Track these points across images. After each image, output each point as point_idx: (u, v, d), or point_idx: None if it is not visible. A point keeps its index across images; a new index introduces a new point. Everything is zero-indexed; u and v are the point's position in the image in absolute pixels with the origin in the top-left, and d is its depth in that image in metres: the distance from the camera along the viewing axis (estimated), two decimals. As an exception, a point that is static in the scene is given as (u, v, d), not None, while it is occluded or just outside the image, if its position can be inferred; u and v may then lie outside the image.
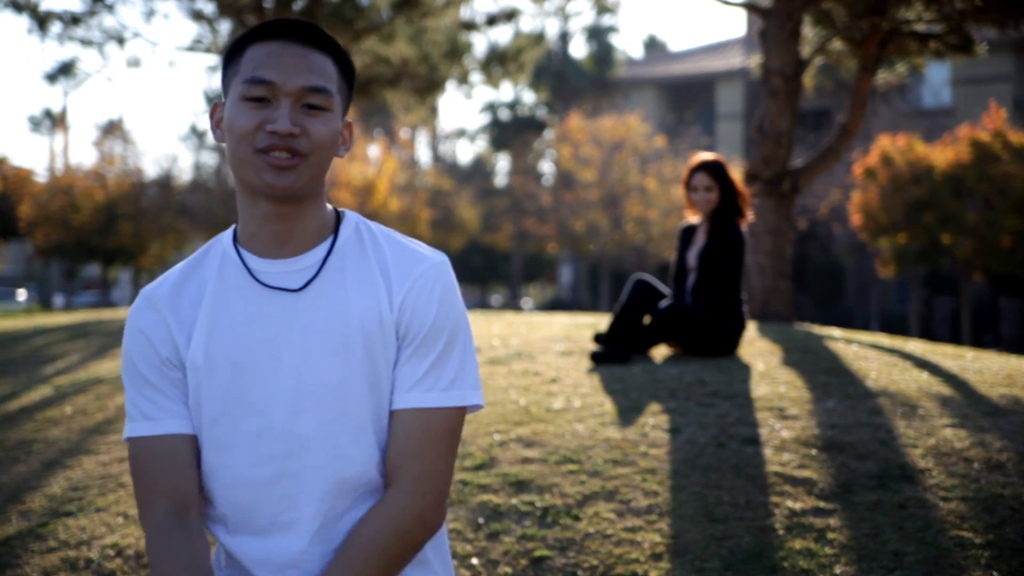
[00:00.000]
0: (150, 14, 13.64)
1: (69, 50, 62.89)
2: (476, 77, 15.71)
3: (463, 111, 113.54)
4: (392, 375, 1.68)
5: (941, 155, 19.70)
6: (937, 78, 29.01)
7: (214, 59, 37.89)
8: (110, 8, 12.81)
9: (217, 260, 1.70)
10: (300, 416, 1.63)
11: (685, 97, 36.48)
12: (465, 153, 79.67)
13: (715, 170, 6.19)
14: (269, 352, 1.64)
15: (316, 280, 1.66)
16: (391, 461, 1.67)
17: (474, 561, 3.72)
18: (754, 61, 10.09)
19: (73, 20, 12.65)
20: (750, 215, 6.37)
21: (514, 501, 4.06)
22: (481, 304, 43.84)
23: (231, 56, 1.68)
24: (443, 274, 1.69)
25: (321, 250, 1.68)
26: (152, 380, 1.67)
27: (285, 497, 1.64)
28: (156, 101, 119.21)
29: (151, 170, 30.27)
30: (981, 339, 24.44)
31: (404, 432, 1.66)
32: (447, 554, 1.77)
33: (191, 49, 13.77)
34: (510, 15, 13.94)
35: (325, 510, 1.65)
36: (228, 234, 1.73)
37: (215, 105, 1.71)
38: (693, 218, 6.41)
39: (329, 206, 1.73)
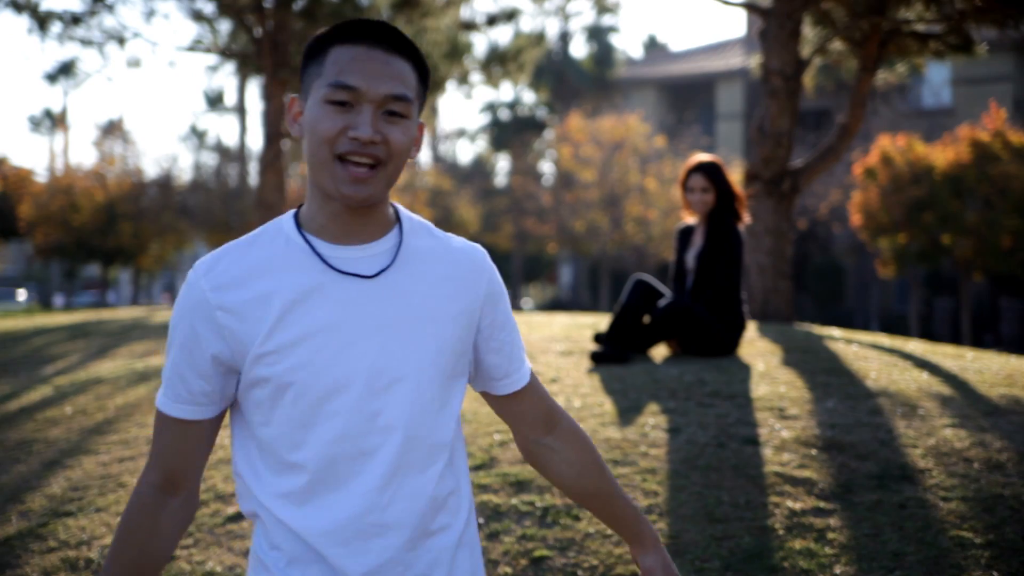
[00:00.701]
0: (150, 14, 13.64)
1: (69, 50, 62.85)
2: (476, 77, 15.71)
3: (463, 111, 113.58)
4: (486, 365, 1.84)
5: (941, 155, 19.70)
6: (937, 78, 29.01)
7: (214, 59, 37.85)
8: (110, 8, 12.81)
9: (281, 245, 1.70)
10: (375, 398, 1.68)
11: (685, 97, 36.48)
12: (465, 153, 79.70)
13: (711, 171, 6.20)
14: (343, 336, 1.66)
15: (391, 268, 1.71)
16: (542, 410, 1.89)
17: (474, 561, 3.72)
18: (754, 61, 10.09)
19: (73, 20, 12.64)
20: (747, 217, 6.38)
21: (514, 501, 4.06)
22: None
23: (313, 54, 1.69)
24: (493, 264, 1.86)
25: (390, 239, 1.73)
26: (203, 366, 1.69)
27: (361, 471, 1.70)
28: (156, 101, 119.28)
29: (151, 170, 30.24)
30: (981, 339, 24.44)
31: (533, 391, 1.89)
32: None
33: (191, 49, 13.76)
34: (510, 15, 13.95)
35: (398, 481, 1.72)
36: (289, 220, 1.73)
37: (292, 99, 1.73)
38: (690, 219, 6.42)
39: None
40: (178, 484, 1.76)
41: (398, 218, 1.77)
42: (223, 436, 5.02)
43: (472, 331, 1.79)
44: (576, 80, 41.09)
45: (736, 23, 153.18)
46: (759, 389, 5.29)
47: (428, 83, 1.74)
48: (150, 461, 1.77)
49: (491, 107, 42.67)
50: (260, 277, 1.66)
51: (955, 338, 24.23)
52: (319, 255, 1.68)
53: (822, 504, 3.95)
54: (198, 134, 49.39)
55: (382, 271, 1.69)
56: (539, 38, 16.00)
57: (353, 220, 1.69)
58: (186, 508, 1.79)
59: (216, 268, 1.67)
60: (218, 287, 1.66)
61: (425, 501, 1.73)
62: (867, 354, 6.36)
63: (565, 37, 42.29)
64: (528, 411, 1.90)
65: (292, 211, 1.76)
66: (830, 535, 3.73)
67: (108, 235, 27.26)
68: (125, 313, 13.35)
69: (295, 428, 1.68)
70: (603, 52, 42.45)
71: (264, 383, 1.67)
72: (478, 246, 1.82)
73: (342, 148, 1.63)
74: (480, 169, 42.54)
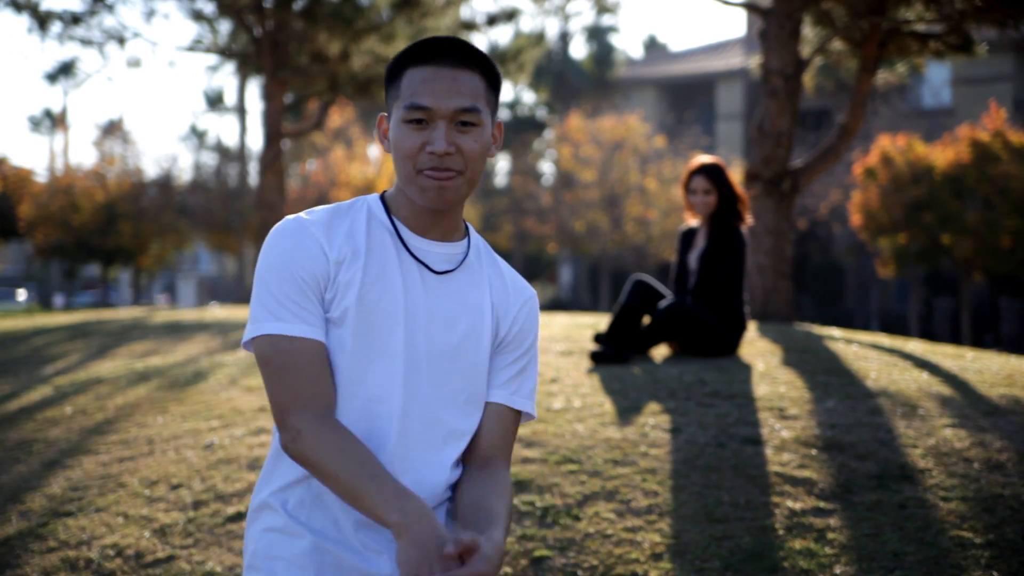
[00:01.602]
0: (150, 14, 13.64)
1: (69, 50, 62.81)
2: (476, 77, 15.69)
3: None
4: (489, 370, 1.97)
5: (941, 155, 19.70)
6: (937, 78, 29.00)
7: (214, 59, 37.83)
8: (110, 8, 12.81)
9: (371, 220, 1.89)
10: (414, 372, 1.85)
11: (685, 97, 36.48)
12: (465, 153, 79.47)
13: (713, 173, 6.20)
14: (399, 311, 1.85)
15: (456, 271, 1.92)
16: (487, 444, 1.95)
17: (474, 561, 3.72)
18: (754, 61, 10.09)
19: (73, 20, 12.65)
20: (749, 219, 6.38)
21: (514, 501, 4.06)
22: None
23: (391, 77, 1.88)
24: (537, 305, 2.04)
25: (460, 246, 1.95)
26: (310, 289, 1.82)
27: (397, 439, 1.85)
28: (156, 101, 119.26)
29: (151, 170, 30.22)
30: (981, 339, 24.43)
31: (500, 424, 1.96)
32: None
33: (191, 49, 13.76)
34: (510, 15, 13.94)
35: (415, 454, 1.87)
36: (376, 200, 1.92)
37: (381, 118, 1.93)
38: (693, 221, 6.42)
39: None
40: (332, 408, 1.83)
41: (467, 232, 1.99)
42: (222, 437, 5.01)
43: (497, 341, 1.97)
44: (576, 80, 41.08)
45: (736, 23, 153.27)
46: (759, 389, 5.29)
47: (500, 87, 1.92)
48: (290, 405, 1.79)
49: (491, 107, 42.62)
50: (352, 236, 1.86)
51: (955, 338, 24.23)
52: (400, 237, 1.88)
53: (822, 504, 3.95)
54: (198, 134, 49.39)
55: (447, 272, 1.90)
56: (539, 38, 16.01)
57: (432, 218, 1.90)
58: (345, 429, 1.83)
59: (319, 218, 1.86)
60: (324, 232, 1.84)
61: (441, 481, 1.88)
62: (867, 354, 6.36)
63: (565, 37, 42.29)
64: (484, 436, 1.95)
65: (376, 195, 1.95)
66: (830, 535, 3.73)
67: (108, 235, 27.25)
68: (125, 313, 13.36)
69: (339, 380, 1.84)
70: (603, 52, 42.43)
71: (328, 327, 1.83)
72: (533, 289, 2.04)
73: (423, 164, 1.84)
74: (480, 169, 42.50)
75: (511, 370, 1.98)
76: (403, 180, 1.86)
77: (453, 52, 1.83)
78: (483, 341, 1.92)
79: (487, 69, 1.87)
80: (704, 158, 6.38)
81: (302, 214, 1.87)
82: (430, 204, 1.85)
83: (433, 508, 1.87)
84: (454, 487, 1.95)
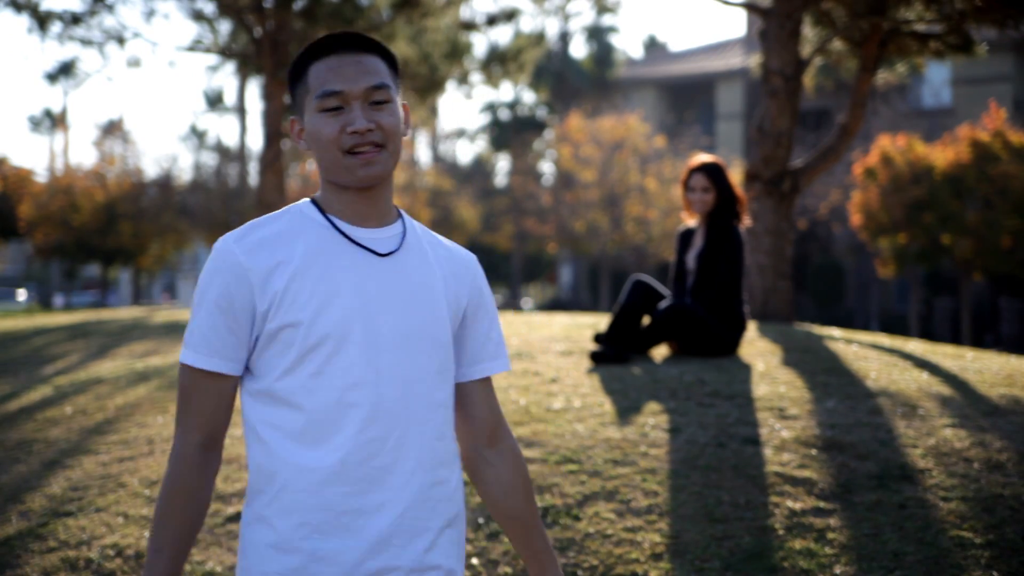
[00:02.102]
0: (150, 14, 13.63)
1: (69, 50, 62.82)
2: (476, 77, 15.71)
3: (463, 111, 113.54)
4: (461, 350, 2.04)
5: (941, 155, 19.69)
6: (937, 78, 29.00)
7: (214, 59, 37.83)
8: (110, 8, 12.80)
9: (305, 221, 1.94)
10: (379, 354, 1.90)
11: (685, 97, 36.48)
12: (465, 153, 79.61)
13: (712, 172, 6.21)
14: (352, 299, 1.90)
15: (399, 251, 1.96)
16: (490, 419, 2.06)
17: (474, 561, 3.73)
18: (754, 61, 10.09)
19: (73, 20, 12.64)
20: (747, 219, 6.38)
21: (514, 501, 4.06)
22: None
23: (295, 77, 1.95)
24: (481, 269, 2.09)
25: (396, 227, 1.99)
26: (235, 320, 1.89)
27: (364, 423, 1.89)
28: (156, 101, 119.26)
29: (151, 170, 30.21)
30: (981, 339, 24.43)
31: (489, 394, 2.06)
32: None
33: (191, 49, 13.76)
34: (510, 15, 13.94)
35: (400, 431, 1.93)
36: (308, 204, 1.97)
37: (292, 121, 1.98)
38: (691, 221, 6.43)
39: None
40: (217, 440, 1.94)
41: (399, 214, 2.02)
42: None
43: (458, 318, 2.01)
44: (576, 80, 41.08)
45: (736, 23, 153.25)
46: (759, 389, 5.29)
47: (398, 70, 2.00)
48: (187, 424, 1.92)
49: (491, 107, 42.65)
50: (287, 243, 1.90)
51: (955, 338, 24.23)
52: (338, 229, 1.93)
53: (822, 504, 3.95)
54: (198, 134, 49.39)
55: (391, 252, 1.94)
56: (539, 38, 16.00)
57: (365, 205, 1.94)
58: (219, 461, 1.96)
59: (247, 236, 1.90)
60: (249, 251, 1.88)
61: (428, 457, 1.93)
62: (867, 354, 6.36)
63: (565, 37, 42.28)
64: (479, 414, 2.06)
65: (306, 199, 1.98)
66: (830, 535, 3.73)
67: (108, 235, 27.24)
68: (125, 313, 13.36)
69: (304, 375, 1.88)
70: (603, 52, 42.43)
71: (280, 334, 1.88)
72: (467, 251, 2.09)
73: (346, 144, 1.89)
74: (480, 169, 42.53)
75: (487, 338, 2.06)
76: (330, 168, 1.92)
77: (351, 41, 1.93)
78: (441, 316, 1.97)
79: (385, 53, 1.96)
80: (704, 157, 6.39)
81: (231, 235, 1.91)
82: (361, 182, 1.91)
83: (429, 487, 1.93)
84: (481, 482, 2.08)
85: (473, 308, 2.04)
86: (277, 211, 1.97)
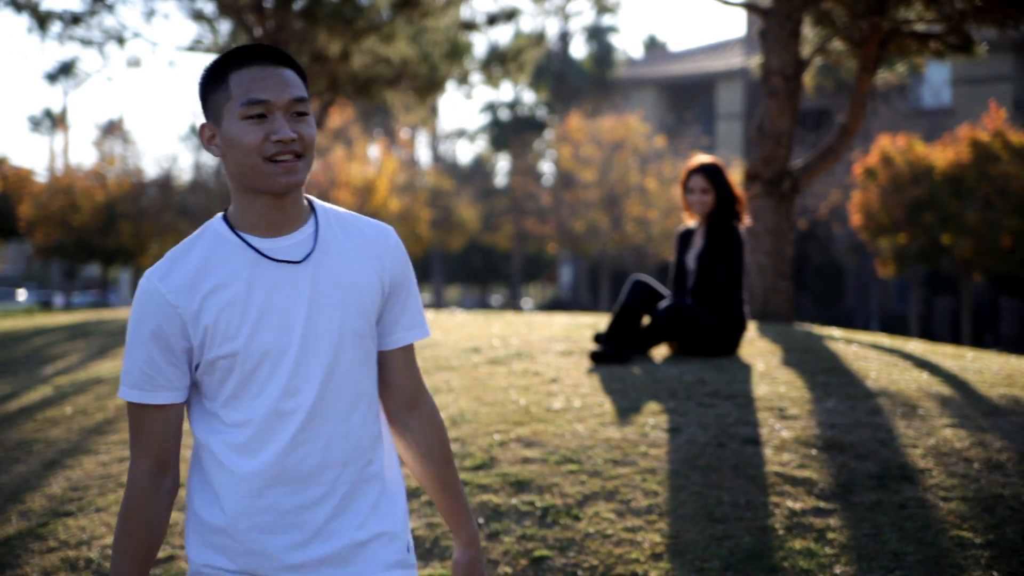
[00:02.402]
0: (150, 14, 13.62)
1: (69, 50, 62.79)
2: (476, 77, 15.69)
3: (463, 111, 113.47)
4: (381, 323, 2.09)
5: (941, 155, 19.69)
6: (937, 78, 29.00)
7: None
8: (110, 8, 12.80)
9: (219, 244, 1.98)
10: (309, 360, 1.98)
11: (685, 97, 36.48)
12: (465, 153, 79.58)
13: (711, 173, 6.22)
14: (281, 314, 1.97)
15: (314, 252, 2.00)
16: (409, 387, 2.12)
17: (474, 561, 3.72)
18: (754, 61, 10.09)
19: (73, 20, 12.63)
20: (747, 219, 6.38)
21: (514, 501, 4.06)
22: (481, 304, 43.81)
23: (212, 82, 1.98)
24: (399, 240, 2.13)
25: (308, 228, 2.02)
26: (172, 354, 1.95)
27: (299, 427, 1.99)
28: (156, 101, 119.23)
29: (151, 170, 30.23)
30: (981, 339, 24.43)
31: (409, 361, 2.13)
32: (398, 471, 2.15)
33: (191, 49, 13.76)
34: (510, 15, 13.93)
35: (328, 426, 2.02)
36: (220, 223, 2.01)
37: (203, 127, 2.01)
38: (690, 222, 6.43)
39: None
40: (167, 464, 2.01)
41: (312, 208, 2.06)
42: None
43: (385, 296, 2.08)
44: (576, 80, 41.07)
45: (736, 23, 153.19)
46: (759, 389, 5.29)
47: (308, 84, 2.07)
48: (136, 452, 1.99)
49: (491, 107, 42.64)
50: (207, 275, 1.95)
51: (955, 338, 24.23)
52: (253, 248, 1.97)
53: (822, 504, 3.95)
54: (198, 134, 49.40)
55: (307, 256, 1.99)
56: (539, 38, 15.99)
57: (279, 213, 1.99)
58: (175, 483, 2.04)
59: (170, 274, 1.96)
60: (174, 290, 1.94)
61: (352, 445, 2.02)
62: (867, 354, 6.36)
63: (565, 37, 42.27)
64: (399, 381, 2.12)
65: (219, 215, 2.03)
66: (830, 535, 3.73)
67: (108, 235, 27.25)
68: (125, 313, 13.35)
69: (247, 397, 1.97)
70: (603, 52, 42.42)
71: (218, 363, 1.95)
72: (386, 225, 2.11)
73: (269, 151, 1.94)
74: (480, 169, 42.51)
75: (404, 308, 2.11)
76: (248, 175, 1.95)
77: (270, 54, 1.98)
78: (364, 307, 2.03)
79: (299, 68, 2.03)
80: (703, 158, 6.39)
81: (153, 272, 1.97)
82: (280, 189, 1.95)
83: (360, 471, 2.02)
84: (399, 445, 2.16)
85: (395, 282, 2.09)
86: (194, 233, 2.02)
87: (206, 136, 2.01)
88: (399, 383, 2.12)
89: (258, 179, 1.95)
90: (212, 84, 1.98)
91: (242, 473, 1.97)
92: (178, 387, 1.98)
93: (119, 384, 1.99)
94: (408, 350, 2.13)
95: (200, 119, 2.04)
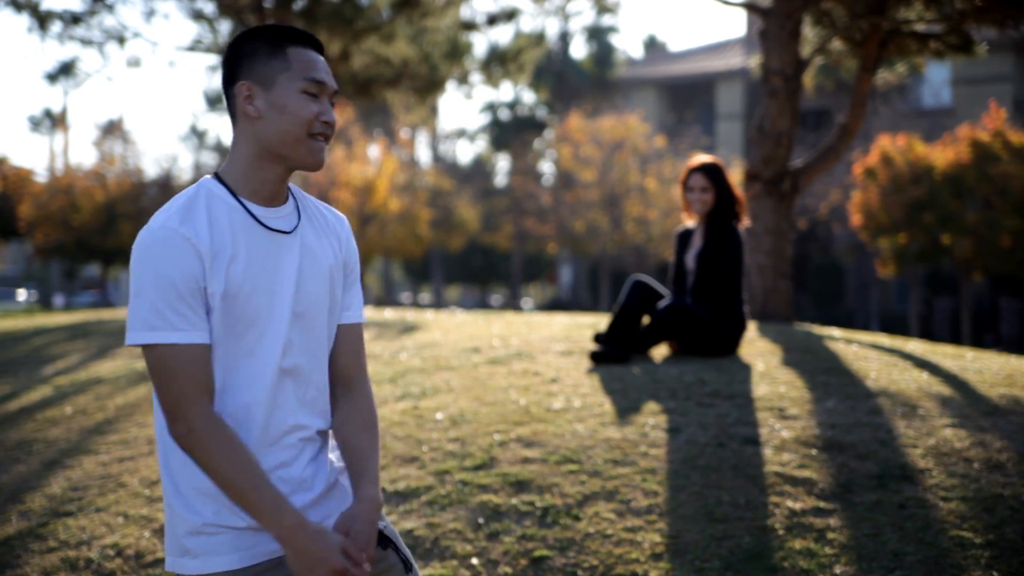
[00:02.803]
0: (150, 14, 13.63)
1: (69, 50, 62.82)
2: (476, 77, 15.70)
3: (463, 111, 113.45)
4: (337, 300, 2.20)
5: (941, 155, 19.69)
6: (937, 78, 29.01)
7: (214, 59, 37.78)
8: (110, 8, 12.80)
9: (216, 205, 2.05)
10: (294, 326, 2.08)
11: (685, 97, 36.48)
12: (465, 153, 79.55)
13: (711, 172, 6.22)
14: (273, 277, 2.06)
15: (300, 225, 2.13)
16: (349, 362, 2.21)
17: (474, 561, 3.73)
18: (754, 61, 10.09)
19: (73, 20, 12.64)
20: (746, 219, 6.38)
21: (514, 501, 4.06)
22: (481, 304, 43.82)
23: (267, 48, 2.07)
24: (351, 228, 2.28)
25: (292, 202, 2.16)
26: (189, 296, 1.98)
27: (282, 388, 2.09)
28: (156, 101, 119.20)
29: (151, 170, 30.24)
30: (981, 339, 24.43)
31: (353, 340, 2.22)
32: None
33: (191, 49, 13.76)
34: (510, 15, 13.94)
35: (302, 394, 2.13)
36: (216, 185, 2.08)
37: (243, 84, 2.07)
38: (689, 222, 6.43)
39: None
40: (213, 394, 2.02)
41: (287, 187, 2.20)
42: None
43: (341, 276, 2.20)
44: (576, 80, 41.08)
45: (736, 23, 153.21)
46: (759, 389, 5.29)
47: None
48: (187, 398, 1.97)
49: (491, 107, 42.64)
50: (219, 229, 2.02)
51: (955, 338, 24.23)
52: (252, 215, 2.06)
53: (822, 504, 3.95)
54: (198, 134, 49.38)
55: (295, 228, 2.11)
56: (539, 38, 15.99)
57: (282, 186, 2.11)
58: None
59: (188, 220, 2.00)
60: (196, 234, 1.99)
61: (322, 407, 2.15)
62: (867, 354, 6.36)
63: (565, 37, 42.28)
64: (340, 359, 2.20)
65: (211, 177, 2.10)
66: (830, 535, 3.73)
67: (108, 235, 27.24)
68: (125, 313, 13.35)
69: (240, 356, 2.04)
70: (603, 52, 42.43)
71: (225, 313, 2.01)
72: (340, 213, 2.29)
73: (316, 129, 2.07)
74: (480, 169, 42.52)
75: (353, 290, 2.24)
76: (288, 143, 2.06)
77: (319, 45, 2.14)
78: (333, 284, 2.16)
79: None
80: (702, 157, 6.40)
81: (170, 217, 2.00)
82: (316, 165, 2.09)
83: (318, 448, 2.13)
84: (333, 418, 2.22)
85: (349, 266, 2.23)
86: (189, 191, 2.07)
87: (244, 94, 2.07)
88: (341, 361, 2.21)
89: (296, 150, 2.06)
90: (267, 50, 2.07)
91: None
92: (203, 327, 2.00)
93: (140, 331, 1.97)
94: (352, 330, 2.22)
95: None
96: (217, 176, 2.09)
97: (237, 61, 2.08)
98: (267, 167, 2.08)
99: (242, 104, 2.07)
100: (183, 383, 1.97)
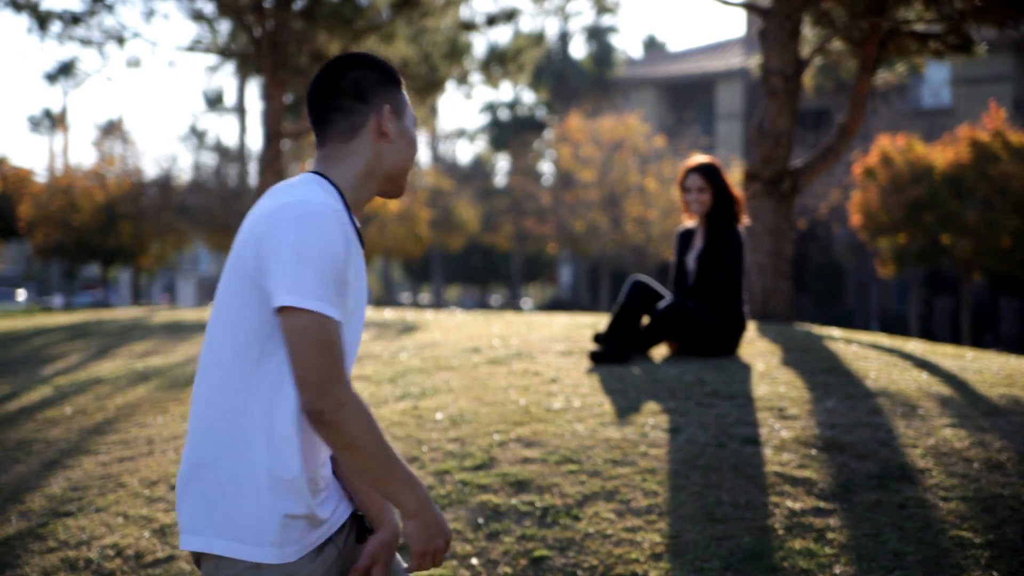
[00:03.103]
0: (150, 14, 13.63)
1: (69, 50, 62.77)
2: (476, 77, 15.69)
3: (463, 111, 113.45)
4: None
5: (941, 155, 19.69)
6: (937, 78, 29.01)
7: (214, 59, 37.81)
8: (110, 8, 12.80)
9: (346, 217, 2.11)
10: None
11: (685, 97, 36.48)
12: (465, 153, 79.61)
13: (708, 172, 6.22)
14: (361, 288, 2.17)
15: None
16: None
17: (474, 561, 3.73)
18: (754, 61, 10.09)
19: (73, 20, 12.63)
20: (745, 219, 6.38)
21: (514, 501, 4.06)
22: (481, 304, 43.81)
23: (398, 84, 2.23)
24: None
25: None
26: (341, 274, 2.03)
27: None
28: (156, 101, 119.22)
29: (151, 170, 30.19)
30: (981, 339, 24.44)
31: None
32: None
33: (191, 49, 13.75)
34: (510, 15, 13.93)
35: None
36: (339, 200, 2.12)
37: (389, 108, 2.19)
38: (689, 222, 6.43)
39: None
40: None
41: None
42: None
43: None
44: (576, 80, 41.08)
45: (736, 23, 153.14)
46: (759, 389, 5.29)
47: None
48: (338, 375, 1.98)
49: (491, 107, 42.65)
50: (346, 226, 2.09)
51: (955, 338, 24.23)
52: (357, 232, 2.15)
53: (822, 504, 3.95)
54: (198, 134, 49.36)
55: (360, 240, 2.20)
56: (539, 38, 15.98)
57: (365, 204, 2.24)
58: None
59: (340, 211, 2.07)
60: (348, 222, 2.08)
61: None
62: (867, 354, 6.36)
63: (565, 37, 42.28)
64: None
65: (325, 181, 2.13)
66: (830, 535, 3.73)
67: (108, 235, 27.22)
68: (125, 313, 13.35)
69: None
70: (603, 52, 42.42)
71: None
72: None
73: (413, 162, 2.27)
74: (480, 169, 42.52)
75: None
76: (404, 169, 2.23)
77: None
78: None
79: None
80: (699, 157, 6.40)
81: (326, 198, 2.07)
82: (399, 196, 2.28)
83: None
84: None
85: None
86: (318, 188, 2.10)
87: (387, 117, 2.18)
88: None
89: (403, 179, 2.25)
90: (396, 83, 2.23)
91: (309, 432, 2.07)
92: (344, 307, 2.05)
93: (312, 299, 1.97)
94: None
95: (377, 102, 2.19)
96: (331, 183, 2.16)
97: (378, 82, 2.19)
98: (371, 186, 2.21)
99: (384, 123, 2.18)
100: (337, 358, 1.99)
